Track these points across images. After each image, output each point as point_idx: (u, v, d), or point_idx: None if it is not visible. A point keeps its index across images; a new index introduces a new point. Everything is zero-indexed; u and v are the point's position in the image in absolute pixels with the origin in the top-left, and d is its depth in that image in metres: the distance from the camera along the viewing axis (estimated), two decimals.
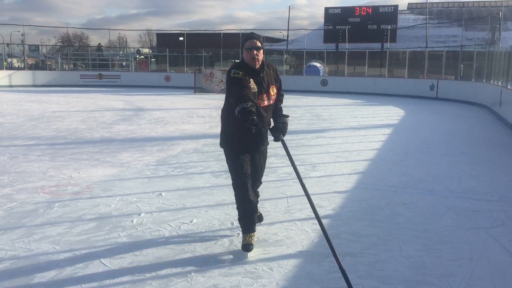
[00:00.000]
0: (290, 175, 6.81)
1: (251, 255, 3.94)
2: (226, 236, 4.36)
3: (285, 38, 42.05)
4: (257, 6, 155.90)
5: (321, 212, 5.09)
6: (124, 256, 3.88)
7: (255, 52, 3.74)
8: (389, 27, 34.16)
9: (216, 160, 7.81)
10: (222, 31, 40.72)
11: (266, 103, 3.89)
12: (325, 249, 4.06)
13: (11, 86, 28.14)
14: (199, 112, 15.88)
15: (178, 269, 3.62)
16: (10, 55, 46.06)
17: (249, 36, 3.85)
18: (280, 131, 3.78)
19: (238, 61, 3.56)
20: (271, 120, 4.00)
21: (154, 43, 60.79)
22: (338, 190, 6.09)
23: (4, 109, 15.70)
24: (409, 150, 9.19)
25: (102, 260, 3.79)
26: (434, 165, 7.78)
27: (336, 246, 4.08)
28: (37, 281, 3.41)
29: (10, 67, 39.36)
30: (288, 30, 40.32)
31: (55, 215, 4.86)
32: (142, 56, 40.79)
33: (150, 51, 46.48)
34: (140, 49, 44.24)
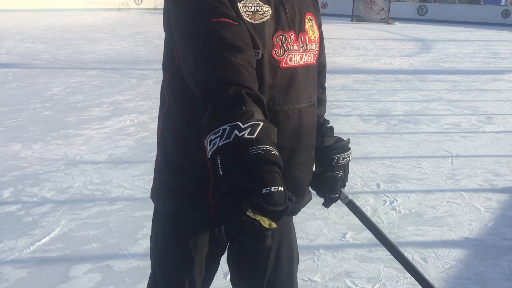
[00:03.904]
0: (457, 127, 5.55)
1: (400, 234, 3.06)
2: (368, 201, 3.51)
3: None
4: None
5: (497, 182, 3.92)
6: None
7: None
8: None
9: (367, 101, 6.78)
10: None
11: (298, 59, 1.24)
12: (505, 240, 3.01)
13: None
14: (354, 43, 14.53)
15: (304, 242, 2.92)
16: None
17: None
18: (335, 187, 1.52)
19: None
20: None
21: None
22: None
23: None
24: None
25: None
26: None
27: (507, 240, 2.99)
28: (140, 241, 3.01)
29: None
30: None
31: None
32: None
33: None
34: None
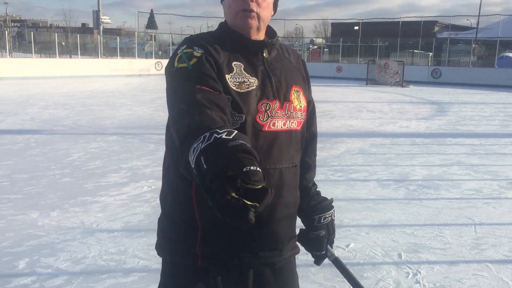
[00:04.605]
0: (479, 192, 5.43)
1: None
2: (390, 274, 3.38)
3: (473, 26, 37.65)
4: None
5: None
6: None
7: None
8: None
9: (384, 165, 6.73)
10: (401, 19, 38.37)
11: (282, 124, 1.41)
12: None
13: None
14: (369, 107, 14.67)
15: None
16: None
17: None
18: (320, 245, 1.61)
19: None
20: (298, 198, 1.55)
21: (329, 34, 60.38)
22: None
23: None
24: None
25: None
26: None
27: None
28: None
29: None
30: (479, 16, 35.95)
31: None
32: (316, 47, 40.58)
33: (324, 41, 46.10)
34: (314, 39, 44.19)
